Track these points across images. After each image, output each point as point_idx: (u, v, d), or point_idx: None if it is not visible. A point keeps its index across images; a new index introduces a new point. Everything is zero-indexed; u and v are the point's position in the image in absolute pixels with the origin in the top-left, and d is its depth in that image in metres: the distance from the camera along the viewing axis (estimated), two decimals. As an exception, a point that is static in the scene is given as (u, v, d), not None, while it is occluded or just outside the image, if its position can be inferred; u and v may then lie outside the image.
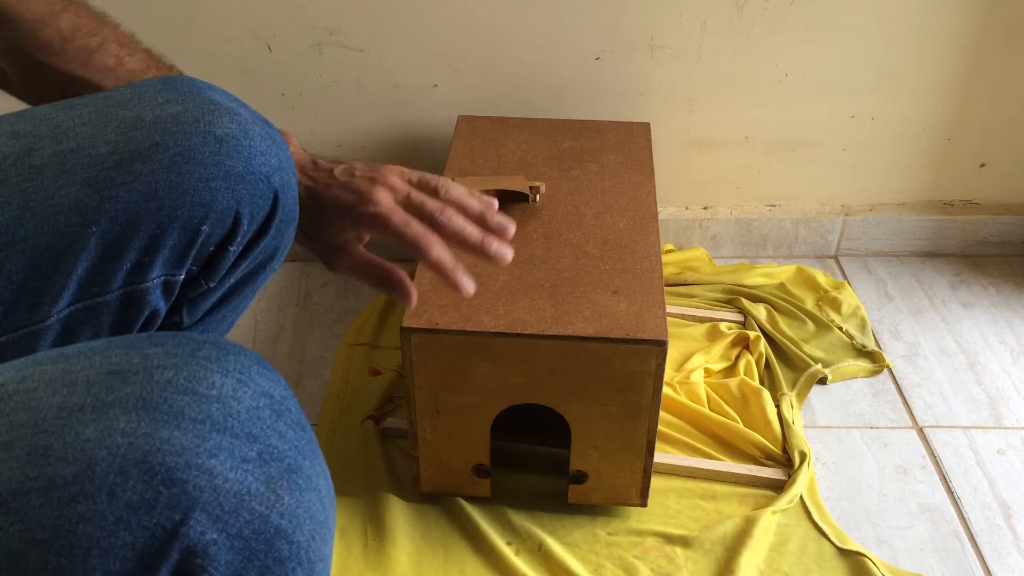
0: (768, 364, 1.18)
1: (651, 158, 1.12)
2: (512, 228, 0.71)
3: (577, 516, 0.98)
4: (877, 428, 1.11)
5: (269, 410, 0.44)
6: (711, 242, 1.40)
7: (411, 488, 1.00)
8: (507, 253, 0.69)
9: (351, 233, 0.71)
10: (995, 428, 1.11)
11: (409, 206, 0.69)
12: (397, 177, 0.71)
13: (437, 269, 0.69)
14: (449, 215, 0.69)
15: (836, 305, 1.28)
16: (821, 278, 1.33)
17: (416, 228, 0.69)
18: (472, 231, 0.69)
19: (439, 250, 0.68)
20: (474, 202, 0.71)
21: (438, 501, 0.99)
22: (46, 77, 0.70)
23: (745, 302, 1.26)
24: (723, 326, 1.22)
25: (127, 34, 0.75)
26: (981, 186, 1.39)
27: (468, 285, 0.69)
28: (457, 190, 0.71)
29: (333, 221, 0.71)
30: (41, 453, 0.39)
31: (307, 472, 0.44)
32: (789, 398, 1.12)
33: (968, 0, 1.21)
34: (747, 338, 1.20)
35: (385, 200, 0.69)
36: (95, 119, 0.59)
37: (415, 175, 0.72)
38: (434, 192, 0.71)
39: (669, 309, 1.24)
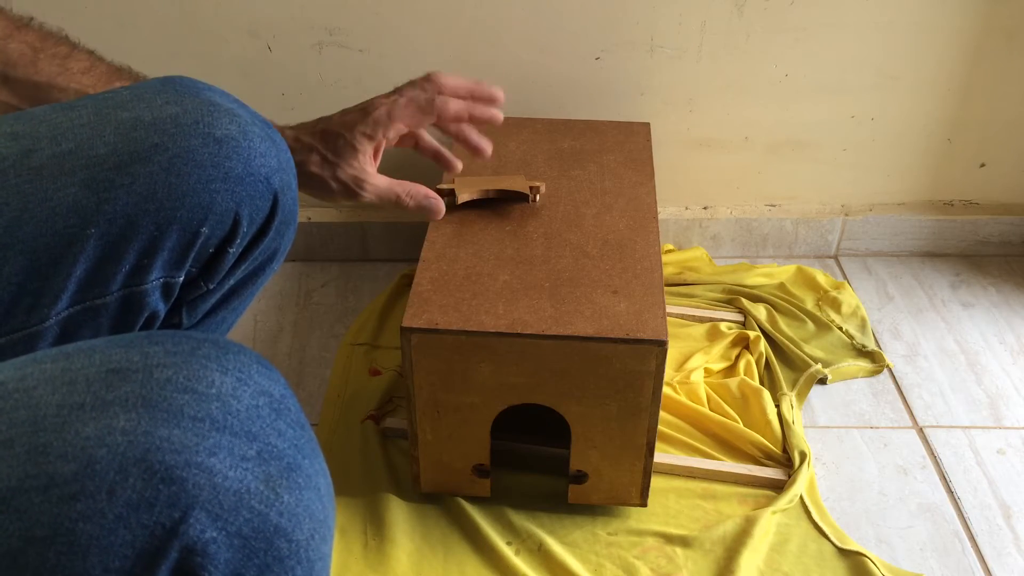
0: (768, 364, 1.18)
1: (651, 158, 1.12)
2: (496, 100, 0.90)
3: (577, 516, 0.98)
4: (877, 428, 1.11)
5: (268, 409, 0.44)
6: (711, 242, 1.40)
7: (411, 488, 1.00)
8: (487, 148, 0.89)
9: (369, 143, 0.79)
10: (995, 428, 1.11)
11: (411, 97, 0.84)
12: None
13: (458, 125, 0.84)
14: (445, 79, 0.86)
15: (836, 305, 1.28)
16: (821, 278, 1.33)
17: (425, 96, 0.82)
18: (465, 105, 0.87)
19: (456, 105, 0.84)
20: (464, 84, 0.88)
21: (438, 501, 1.00)
22: (20, 93, 0.70)
23: (745, 302, 1.26)
24: (723, 326, 1.22)
25: (89, 49, 0.76)
26: (981, 186, 1.39)
27: (488, 146, 0.86)
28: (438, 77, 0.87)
29: (349, 139, 0.78)
30: (41, 451, 0.39)
31: (307, 471, 0.44)
32: (789, 398, 1.12)
33: (968, 0, 1.22)
34: (747, 338, 1.20)
35: (386, 101, 0.81)
36: (94, 120, 0.59)
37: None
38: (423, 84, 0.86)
39: (669, 309, 1.24)
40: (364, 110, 0.81)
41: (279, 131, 0.76)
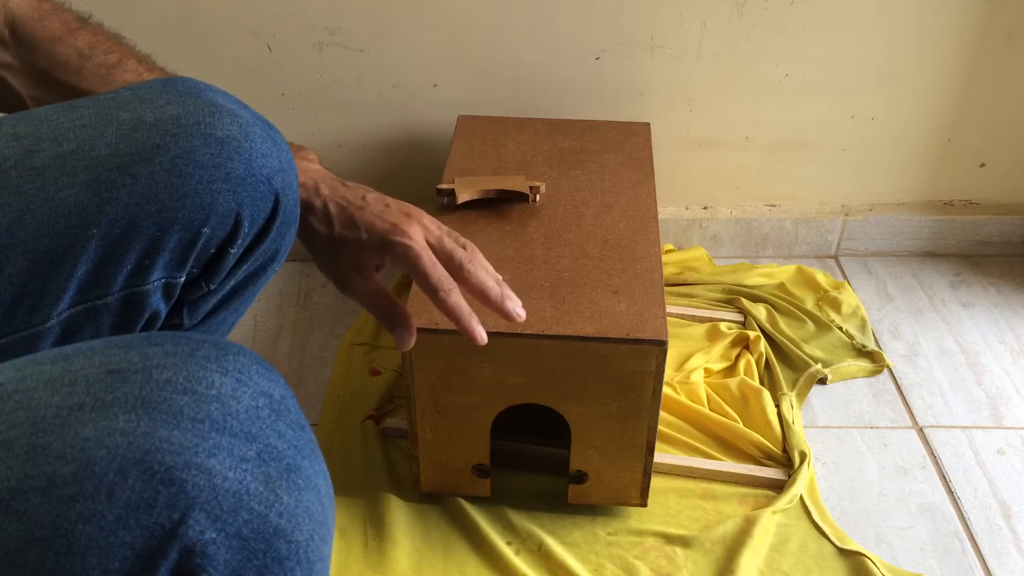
0: (768, 364, 1.18)
1: (651, 158, 1.12)
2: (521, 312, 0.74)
3: (577, 516, 0.98)
4: (877, 428, 1.11)
5: (268, 410, 0.44)
6: (711, 242, 1.40)
7: (411, 488, 1.01)
8: (522, 313, 0.73)
9: (376, 259, 0.72)
10: (995, 428, 1.11)
11: (439, 250, 0.71)
12: (430, 220, 0.73)
13: (453, 315, 0.71)
14: (476, 266, 0.71)
15: (836, 305, 1.28)
16: (821, 278, 1.33)
17: (441, 272, 0.70)
18: (493, 286, 0.72)
19: (457, 297, 0.70)
20: (493, 272, 0.73)
21: (438, 501, 1.00)
22: (64, 95, 0.70)
23: (745, 302, 1.27)
24: (723, 326, 1.22)
25: (144, 53, 0.75)
26: (981, 186, 1.39)
27: (482, 334, 0.71)
28: (481, 257, 0.73)
29: (363, 243, 0.72)
30: (40, 452, 0.39)
31: (306, 472, 0.44)
32: (789, 398, 1.12)
33: (968, 0, 1.22)
34: (747, 338, 1.20)
35: (419, 237, 0.71)
36: (96, 121, 0.59)
37: (444, 227, 0.74)
38: (462, 248, 0.72)
39: (669, 309, 1.24)
40: (395, 226, 0.71)
41: (315, 161, 0.74)
